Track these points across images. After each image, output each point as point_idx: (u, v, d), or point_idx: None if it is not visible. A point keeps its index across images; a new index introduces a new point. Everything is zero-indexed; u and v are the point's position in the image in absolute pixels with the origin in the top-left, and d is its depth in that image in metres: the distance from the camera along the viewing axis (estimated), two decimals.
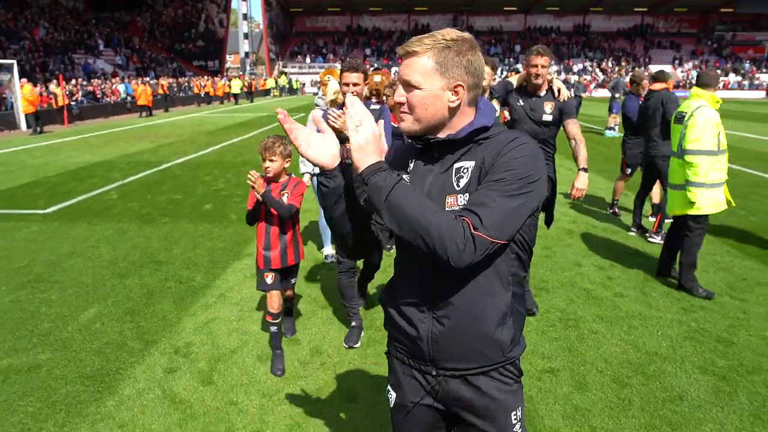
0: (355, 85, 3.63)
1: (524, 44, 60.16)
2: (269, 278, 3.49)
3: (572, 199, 4.20)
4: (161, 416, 3.04)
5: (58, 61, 32.78)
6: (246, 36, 56.32)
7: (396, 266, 1.68)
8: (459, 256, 1.34)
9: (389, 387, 1.77)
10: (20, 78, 20.31)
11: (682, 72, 55.65)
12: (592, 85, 52.00)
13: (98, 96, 27.41)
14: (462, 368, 1.56)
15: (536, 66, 4.07)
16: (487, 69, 4.21)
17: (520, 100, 4.29)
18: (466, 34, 1.50)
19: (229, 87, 36.83)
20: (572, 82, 33.15)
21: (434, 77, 1.46)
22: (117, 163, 11.81)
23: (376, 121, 3.08)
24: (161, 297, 4.70)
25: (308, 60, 57.25)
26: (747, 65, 56.94)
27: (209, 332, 4.04)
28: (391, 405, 1.76)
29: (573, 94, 15.65)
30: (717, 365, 3.54)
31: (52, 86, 23.08)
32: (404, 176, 1.58)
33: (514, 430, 1.61)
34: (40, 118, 19.03)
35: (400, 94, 1.51)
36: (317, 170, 3.93)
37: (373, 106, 3.89)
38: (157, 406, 3.13)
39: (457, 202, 1.46)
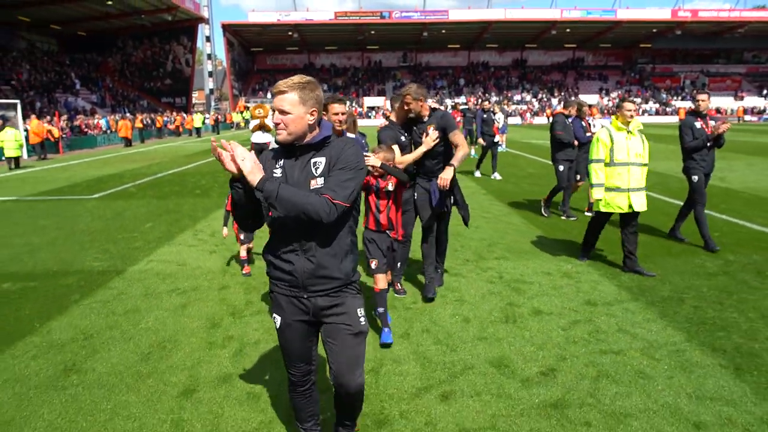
0: (342, 114, 4.58)
1: (468, 78, 66.41)
2: (242, 236, 6.13)
3: (439, 187, 4.93)
4: (199, 250, 7.60)
5: (43, 100, 36.77)
6: (210, 74, 60.59)
7: (273, 231, 2.54)
8: (328, 217, 2.29)
9: (274, 315, 2.61)
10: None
11: (608, 101, 62.28)
12: (528, 114, 58.18)
13: (84, 130, 31.52)
14: (323, 289, 2.48)
15: (408, 103, 5.08)
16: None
17: (415, 128, 5.24)
18: (312, 78, 2.45)
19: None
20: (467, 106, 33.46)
21: (299, 106, 2.37)
22: (123, 175, 16.25)
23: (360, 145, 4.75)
24: (182, 219, 9.35)
25: (269, 95, 62.00)
26: (663, 95, 64.20)
27: (211, 224, 8.64)
28: (278, 326, 2.60)
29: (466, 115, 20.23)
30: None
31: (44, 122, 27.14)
32: (278, 171, 2.46)
33: (360, 319, 2.55)
34: (45, 147, 23.19)
35: (278, 117, 2.38)
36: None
37: (349, 135, 4.87)
38: (204, 243, 7.69)
39: (317, 183, 2.39)
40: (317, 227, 2.37)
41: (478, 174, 14.78)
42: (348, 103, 58.52)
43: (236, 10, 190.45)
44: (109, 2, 41.67)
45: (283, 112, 2.37)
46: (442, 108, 5.77)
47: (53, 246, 7.69)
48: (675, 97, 63.73)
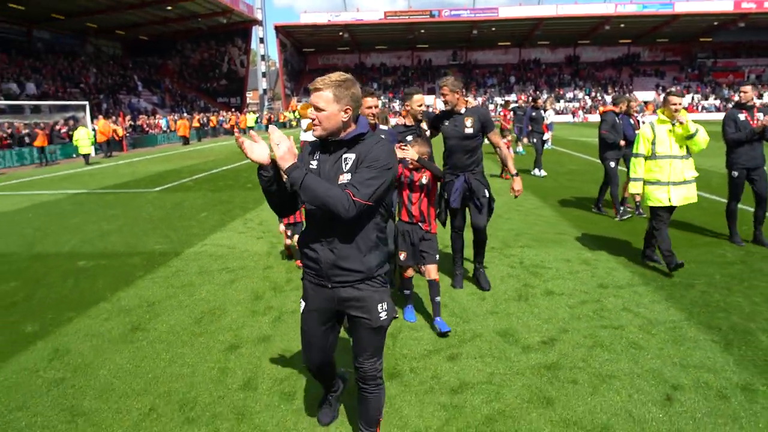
0: (375, 107, 4.58)
1: (518, 75, 65.82)
2: (289, 231, 6.36)
3: (515, 197, 5.39)
4: (247, 236, 8.32)
5: (109, 101, 39.05)
6: (264, 74, 62.30)
7: (307, 222, 2.67)
8: (347, 213, 2.35)
9: (301, 299, 2.76)
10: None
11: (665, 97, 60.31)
12: (580, 112, 57.28)
13: (145, 129, 33.37)
14: (347, 280, 2.56)
15: (444, 94, 5.15)
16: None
17: (446, 121, 5.25)
18: (349, 75, 2.49)
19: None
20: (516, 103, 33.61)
21: (333, 104, 2.44)
22: (182, 171, 17.36)
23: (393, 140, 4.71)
24: (233, 209, 10.14)
25: None
26: (725, 91, 61.73)
27: (260, 214, 9.37)
28: (302, 311, 2.76)
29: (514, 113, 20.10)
30: None
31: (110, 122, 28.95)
32: (314, 163, 2.57)
33: (380, 315, 2.61)
34: (110, 145, 24.84)
35: (313, 113, 2.47)
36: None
37: (383, 126, 5.02)
38: (253, 230, 8.42)
39: (344, 178, 2.45)
40: (339, 220, 2.41)
41: (544, 173, 13.89)
42: (397, 102, 59.16)
43: (289, 11, 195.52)
44: (169, 7, 43.68)
45: (318, 109, 2.47)
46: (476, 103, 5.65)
47: (120, 231, 8.60)
48: (738, 93, 61.02)
